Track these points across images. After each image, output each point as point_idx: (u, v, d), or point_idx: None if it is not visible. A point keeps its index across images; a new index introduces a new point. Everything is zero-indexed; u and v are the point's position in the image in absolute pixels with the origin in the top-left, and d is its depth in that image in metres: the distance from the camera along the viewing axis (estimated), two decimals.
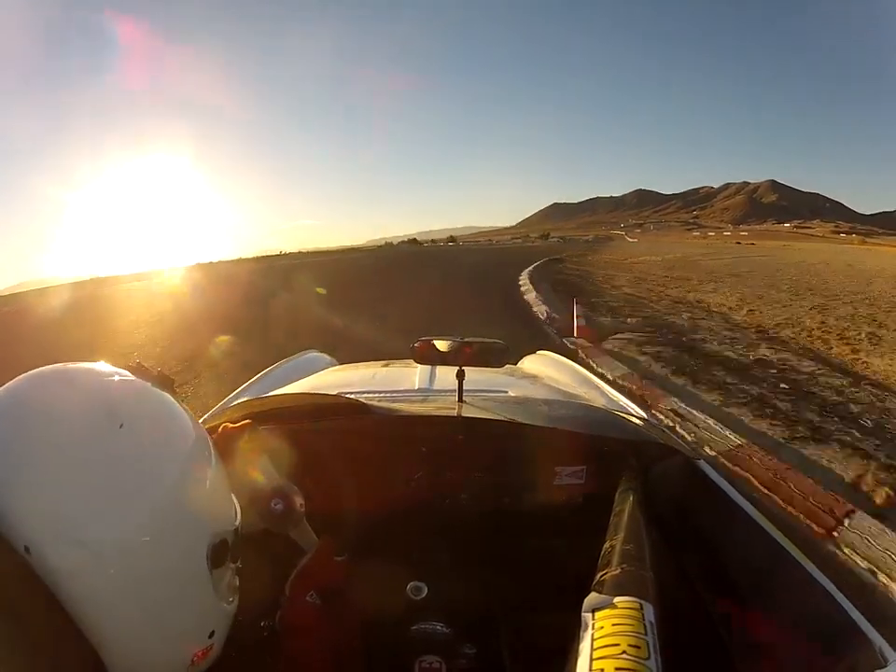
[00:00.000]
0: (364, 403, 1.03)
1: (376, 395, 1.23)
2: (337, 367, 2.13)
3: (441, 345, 1.10)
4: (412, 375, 1.51)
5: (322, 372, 1.87)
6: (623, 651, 0.47)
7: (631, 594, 0.54)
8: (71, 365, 0.57)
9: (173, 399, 0.60)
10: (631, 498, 0.83)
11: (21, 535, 0.47)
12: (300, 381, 1.66)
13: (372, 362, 1.93)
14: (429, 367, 1.49)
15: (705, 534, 0.86)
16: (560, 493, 1.05)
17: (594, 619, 0.52)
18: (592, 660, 0.47)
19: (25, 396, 0.53)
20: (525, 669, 0.94)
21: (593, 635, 0.50)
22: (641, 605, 0.52)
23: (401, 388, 1.41)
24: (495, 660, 0.95)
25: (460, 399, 1.12)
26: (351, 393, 1.18)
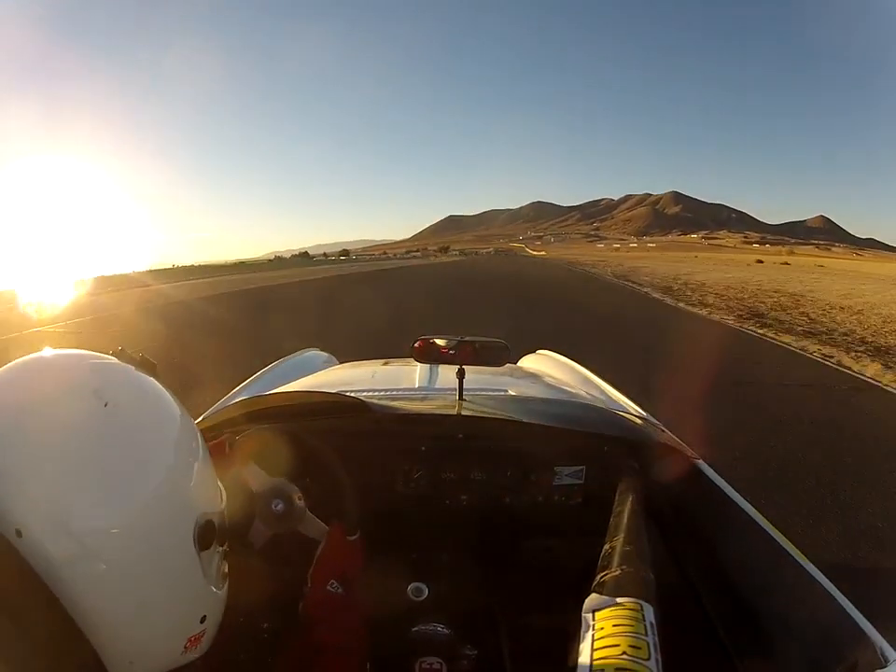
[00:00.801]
0: (364, 402, 1.02)
1: (376, 393, 1.22)
2: (337, 365, 2.10)
3: (442, 344, 1.10)
4: (412, 374, 1.50)
5: (322, 371, 1.85)
6: (624, 652, 0.47)
7: (631, 594, 0.54)
8: (53, 351, 0.57)
9: (156, 381, 0.60)
10: (631, 498, 0.83)
11: (13, 519, 0.47)
12: (299, 379, 1.63)
13: (372, 360, 1.91)
14: (429, 365, 1.48)
15: (705, 534, 0.87)
16: (560, 493, 1.05)
17: (594, 619, 0.52)
18: (592, 660, 0.48)
19: (9, 382, 0.53)
20: (526, 670, 0.94)
21: (593, 635, 0.50)
22: (641, 605, 0.53)
23: (401, 387, 1.40)
24: (495, 661, 0.96)
25: (460, 398, 1.11)
26: (351, 391, 1.16)
